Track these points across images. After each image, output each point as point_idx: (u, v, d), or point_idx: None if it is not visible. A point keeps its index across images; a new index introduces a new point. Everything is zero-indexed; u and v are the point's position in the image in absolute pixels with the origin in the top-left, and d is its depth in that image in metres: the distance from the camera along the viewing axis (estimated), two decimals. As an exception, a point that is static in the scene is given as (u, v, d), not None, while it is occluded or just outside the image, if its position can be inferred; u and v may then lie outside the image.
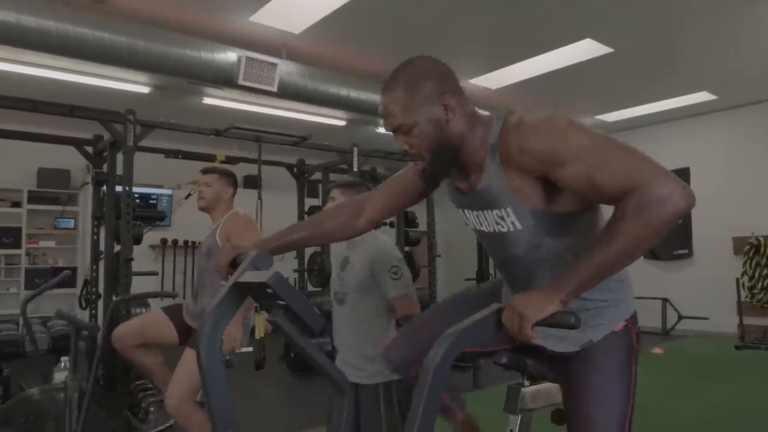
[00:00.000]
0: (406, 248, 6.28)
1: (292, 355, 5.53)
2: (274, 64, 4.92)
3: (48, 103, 4.20)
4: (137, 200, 4.38)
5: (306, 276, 6.49)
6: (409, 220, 6.33)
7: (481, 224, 1.44)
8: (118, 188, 4.28)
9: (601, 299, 1.39)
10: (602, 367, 1.39)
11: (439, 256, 6.69)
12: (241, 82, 4.81)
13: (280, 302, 1.28)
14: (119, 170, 4.29)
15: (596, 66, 5.88)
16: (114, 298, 4.07)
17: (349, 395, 1.37)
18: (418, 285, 3.16)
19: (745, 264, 7.36)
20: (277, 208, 6.05)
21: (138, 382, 3.69)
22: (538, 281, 1.37)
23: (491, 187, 1.32)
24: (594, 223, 1.39)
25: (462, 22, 4.86)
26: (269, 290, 1.24)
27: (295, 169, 6.63)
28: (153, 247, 7.88)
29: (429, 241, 6.29)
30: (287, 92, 5.20)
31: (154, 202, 7.90)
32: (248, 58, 4.79)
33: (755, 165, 7.58)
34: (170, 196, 7.95)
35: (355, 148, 5.81)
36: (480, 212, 1.41)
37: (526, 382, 1.52)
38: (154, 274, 5.91)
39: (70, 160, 6.14)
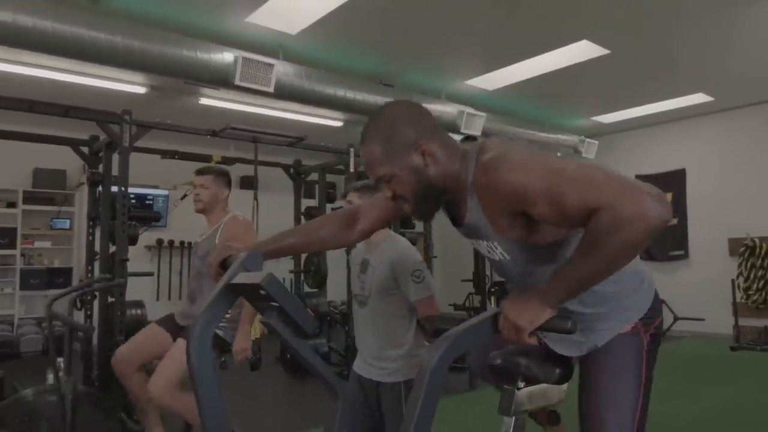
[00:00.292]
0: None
1: (288, 356, 5.52)
2: (271, 65, 4.92)
3: (44, 104, 4.19)
4: (133, 201, 4.38)
5: (302, 277, 6.48)
6: (406, 221, 6.33)
7: (481, 250, 1.49)
8: (114, 189, 4.26)
9: (602, 310, 1.42)
10: (610, 367, 1.41)
11: (436, 257, 6.69)
12: (237, 82, 4.80)
13: (274, 304, 1.27)
14: (115, 171, 4.28)
15: (593, 67, 5.89)
16: (109, 299, 4.06)
17: (343, 397, 1.37)
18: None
19: (740, 265, 7.37)
20: (273, 209, 6.05)
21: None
22: None
23: (475, 223, 1.36)
24: None
25: (459, 22, 4.86)
26: (262, 292, 1.24)
27: (291, 170, 6.62)
28: (149, 247, 7.86)
29: (425, 243, 6.28)
30: (284, 93, 5.19)
31: (150, 202, 7.88)
32: (245, 59, 4.78)
33: (751, 166, 7.59)
34: (166, 196, 7.93)
35: (352, 149, 5.81)
36: (475, 241, 1.46)
37: (521, 384, 1.51)
38: (150, 274, 5.90)
39: (66, 160, 6.12)
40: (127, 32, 4.28)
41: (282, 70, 5.07)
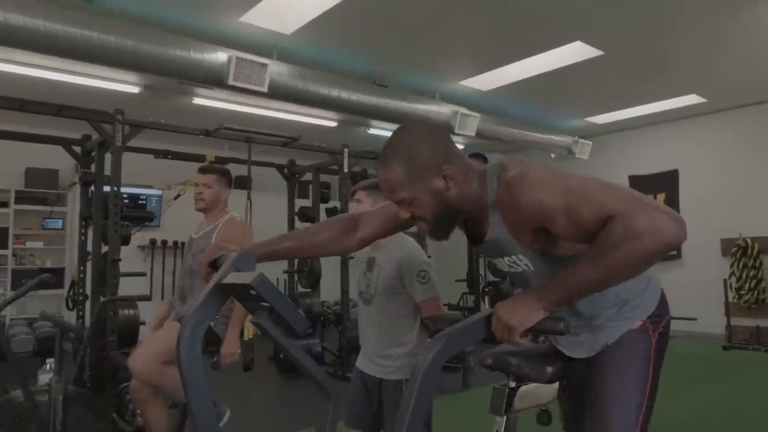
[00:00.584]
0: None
1: (281, 356, 5.51)
2: (265, 65, 4.91)
3: (36, 103, 4.17)
4: (126, 201, 4.36)
5: (296, 277, 6.47)
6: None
7: (502, 267, 1.50)
8: (107, 188, 4.25)
9: (611, 312, 1.44)
10: (617, 364, 1.42)
11: (430, 257, 6.67)
12: (231, 82, 4.78)
13: (264, 304, 1.26)
14: (108, 170, 4.26)
15: (586, 68, 5.90)
16: (101, 299, 4.04)
17: (335, 396, 1.36)
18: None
19: (732, 265, 7.41)
20: (267, 209, 6.04)
21: (125, 384, 3.66)
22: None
23: (499, 239, 1.38)
24: None
25: (453, 23, 4.86)
26: (253, 292, 1.23)
27: (285, 170, 6.61)
28: (142, 247, 7.83)
29: (420, 243, 6.28)
30: (278, 93, 5.18)
31: (144, 202, 7.85)
32: (238, 59, 4.76)
33: (743, 167, 7.63)
34: (160, 196, 7.90)
35: (346, 149, 5.81)
36: (496, 259, 1.48)
37: (512, 383, 1.52)
38: (143, 275, 5.88)
39: (59, 160, 6.10)
40: (120, 31, 4.26)
41: (276, 70, 5.06)
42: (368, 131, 7.55)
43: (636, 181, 8.48)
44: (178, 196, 6.05)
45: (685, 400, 4.48)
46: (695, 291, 7.56)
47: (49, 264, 7.46)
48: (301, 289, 6.44)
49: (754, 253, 7.28)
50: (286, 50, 5.25)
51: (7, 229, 7.16)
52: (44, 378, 2.75)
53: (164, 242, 8.03)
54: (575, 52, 5.50)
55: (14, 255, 7.26)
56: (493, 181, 1.35)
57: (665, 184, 8.30)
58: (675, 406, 4.28)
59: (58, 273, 7.43)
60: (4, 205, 7.15)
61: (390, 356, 2.21)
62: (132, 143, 4.37)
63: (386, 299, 2.25)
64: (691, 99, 7.26)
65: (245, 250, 1.49)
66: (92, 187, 4.53)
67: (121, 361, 3.50)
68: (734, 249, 7.42)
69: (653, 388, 1.42)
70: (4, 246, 7.13)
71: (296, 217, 6.47)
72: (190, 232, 3.21)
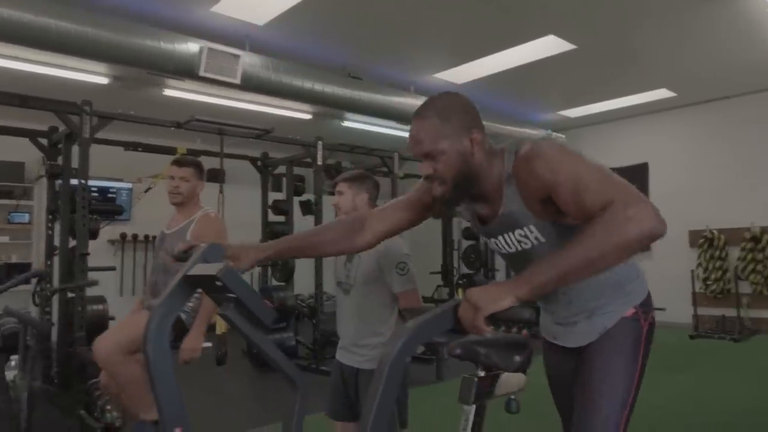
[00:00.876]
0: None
1: (254, 350, 5.48)
2: (237, 56, 4.85)
3: (0, 93, 4.05)
4: (95, 194, 4.28)
5: (270, 271, 6.43)
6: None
7: (509, 247, 1.53)
8: (74, 181, 4.15)
9: (603, 301, 1.49)
10: (608, 351, 1.46)
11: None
12: (202, 73, 4.72)
13: (231, 296, 1.25)
14: (75, 163, 4.16)
15: (560, 62, 5.97)
16: (68, 295, 3.96)
17: (303, 389, 1.36)
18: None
19: (699, 256, 7.60)
20: (240, 203, 5.98)
21: (94, 381, 3.60)
22: (561, 290, 1.48)
23: (512, 211, 1.43)
24: None
25: (427, 16, 4.87)
26: (219, 283, 1.22)
27: (258, 163, 6.54)
28: (112, 242, 7.69)
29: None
30: (250, 84, 5.12)
31: (114, 195, 7.70)
32: (210, 50, 4.70)
33: (712, 161, 7.80)
34: (130, 189, 7.76)
35: (320, 142, 5.77)
36: (504, 235, 1.51)
37: (481, 373, 1.52)
38: (112, 269, 5.79)
39: (25, 152, 5.93)
40: (89, 21, 4.16)
41: (248, 61, 5.00)
42: (342, 124, 7.52)
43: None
44: (148, 189, 5.95)
45: (655, 390, 4.58)
46: (664, 282, 7.66)
47: (15, 259, 7.27)
48: (275, 282, 6.40)
49: (720, 244, 7.47)
50: (259, 41, 5.19)
51: (-29, 223, 6.97)
52: (9, 375, 2.69)
53: (135, 236, 7.89)
54: (548, 45, 5.55)
55: (-21, 250, 7.07)
56: (511, 155, 1.41)
57: (635, 177, 8.43)
58: (647, 395, 4.36)
59: (24, 268, 7.25)
60: (-32, 198, 6.96)
61: (366, 345, 2.22)
62: (101, 135, 4.27)
63: (365, 290, 2.26)
64: (662, 93, 7.40)
65: (245, 250, 1.47)
66: (59, 180, 4.43)
67: (90, 357, 3.43)
68: (701, 241, 7.60)
69: (640, 378, 1.45)
70: (-31, 241, 6.94)
71: (270, 211, 6.42)
72: (162, 226, 3.15)
